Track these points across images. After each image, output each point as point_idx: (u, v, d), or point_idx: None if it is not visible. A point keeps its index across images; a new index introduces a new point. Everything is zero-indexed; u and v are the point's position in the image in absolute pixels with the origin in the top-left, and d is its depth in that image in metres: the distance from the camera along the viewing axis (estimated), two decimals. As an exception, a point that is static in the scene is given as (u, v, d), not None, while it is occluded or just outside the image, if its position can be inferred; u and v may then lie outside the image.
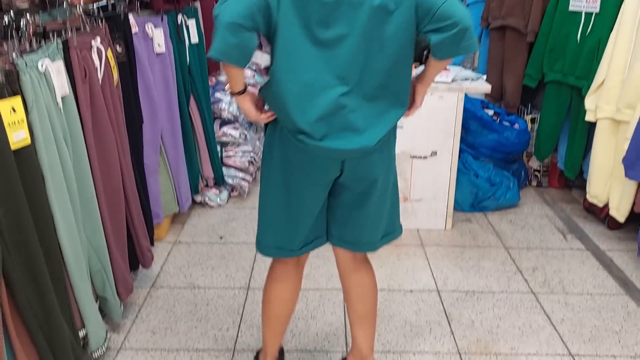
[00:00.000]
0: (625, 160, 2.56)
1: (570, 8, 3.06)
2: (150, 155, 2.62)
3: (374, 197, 1.60)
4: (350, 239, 1.68)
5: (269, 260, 1.76)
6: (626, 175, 2.57)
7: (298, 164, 1.55)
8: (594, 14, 2.92)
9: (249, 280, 2.50)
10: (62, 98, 1.72)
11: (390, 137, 1.57)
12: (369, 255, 1.76)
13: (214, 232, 2.94)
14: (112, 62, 2.08)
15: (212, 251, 2.75)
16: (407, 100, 1.55)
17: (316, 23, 1.39)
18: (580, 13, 2.99)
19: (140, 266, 2.36)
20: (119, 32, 2.27)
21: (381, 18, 1.40)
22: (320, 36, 1.40)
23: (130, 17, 2.40)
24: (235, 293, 2.41)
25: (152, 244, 2.63)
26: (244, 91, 1.52)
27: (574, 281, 2.55)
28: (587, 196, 3.01)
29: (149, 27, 2.52)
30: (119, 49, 2.26)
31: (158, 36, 2.59)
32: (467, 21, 1.36)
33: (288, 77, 1.43)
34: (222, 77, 3.56)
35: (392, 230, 1.73)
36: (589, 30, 2.96)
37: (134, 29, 2.43)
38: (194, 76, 2.94)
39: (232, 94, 1.54)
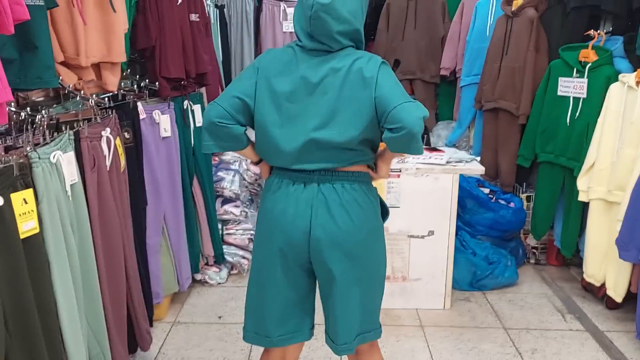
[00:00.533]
0: (618, 242, 2.60)
1: (559, 93, 3.20)
2: (153, 235, 2.67)
3: (336, 289, 1.66)
4: (330, 334, 1.73)
5: (266, 346, 1.78)
6: (620, 256, 2.61)
7: (261, 230, 1.73)
8: (581, 99, 3.05)
9: (248, 362, 2.49)
10: (71, 185, 1.80)
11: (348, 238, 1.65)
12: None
13: (213, 311, 2.95)
14: (120, 150, 2.17)
15: (211, 332, 2.75)
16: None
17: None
18: (569, 97, 3.12)
19: (138, 349, 2.36)
20: (128, 119, 2.39)
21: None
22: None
23: (139, 105, 2.53)
24: (233, 376, 2.39)
25: (151, 325, 2.63)
26: (260, 161, 1.77)
27: (575, 364, 2.53)
28: (584, 275, 3.04)
29: (156, 114, 2.64)
30: (127, 135, 2.37)
31: (164, 121, 2.71)
32: (415, 127, 1.46)
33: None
34: (225, 157, 3.68)
35: (367, 330, 1.73)
36: (577, 113, 3.08)
37: (142, 115, 2.55)
38: (198, 157, 3.05)
39: (252, 163, 1.85)
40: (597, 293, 3.16)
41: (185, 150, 2.94)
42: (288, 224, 1.63)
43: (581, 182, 2.96)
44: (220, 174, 3.45)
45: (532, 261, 3.70)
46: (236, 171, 3.50)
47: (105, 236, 2.02)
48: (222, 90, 3.79)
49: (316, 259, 1.64)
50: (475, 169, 2.96)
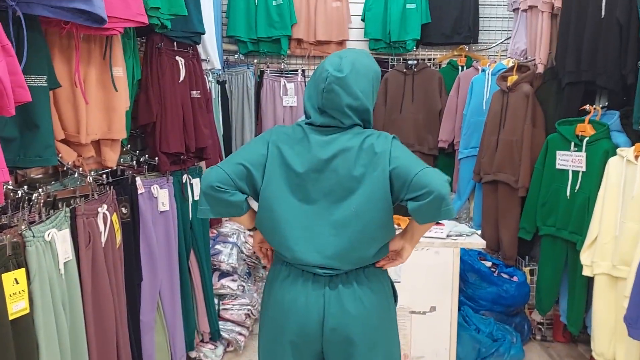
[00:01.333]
0: (626, 319, 2.53)
1: (558, 166, 3.21)
2: (148, 312, 2.60)
3: None
4: None
5: None
6: (629, 334, 2.52)
7: (270, 321, 1.68)
8: (580, 172, 3.06)
9: None
10: (65, 263, 1.76)
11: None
12: None
13: (208, 393, 2.83)
14: (117, 226, 2.15)
15: (205, 415, 2.62)
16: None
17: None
18: (568, 171, 3.13)
19: None
20: (126, 195, 2.38)
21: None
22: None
23: (138, 180, 2.53)
24: None
25: (142, 408, 2.52)
26: (254, 228, 1.72)
27: None
28: (593, 354, 2.93)
29: (155, 188, 2.64)
30: (124, 210, 2.36)
31: (163, 196, 2.71)
32: (442, 189, 1.43)
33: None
34: (223, 229, 3.65)
35: None
36: (577, 187, 3.08)
37: (140, 190, 2.55)
38: (195, 231, 3.02)
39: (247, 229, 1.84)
40: (608, 373, 3.04)
41: (183, 224, 2.92)
42: (300, 315, 1.57)
43: (584, 257, 2.91)
44: (217, 247, 3.41)
45: (538, 337, 3.59)
46: (234, 244, 3.46)
47: (97, 314, 1.97)
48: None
49: (330, 349, 1.59)
50: (476, 242, 2.92)
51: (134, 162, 2.67)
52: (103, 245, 2.00)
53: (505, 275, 3.44)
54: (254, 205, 1.67)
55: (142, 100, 2.64)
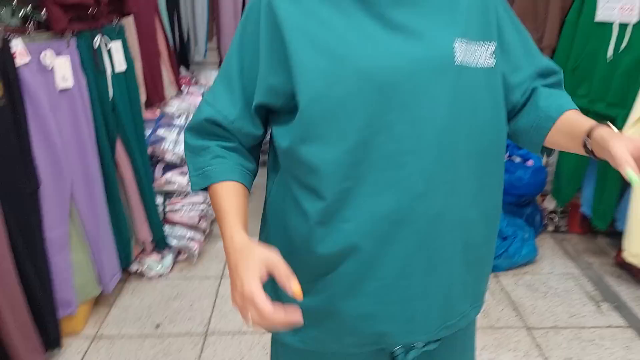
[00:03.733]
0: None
1: (597, 18, 2.44)
2: (56, 226, 1.95)
3: None
4: None
5: None
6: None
7: None
8: (630, 25, 2.31)
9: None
10: None
11: None
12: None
13: (149, 317, 2.26)
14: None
15: (143, 349, 2.07)
16: None
17: None
18: (611, 24, 2.37)
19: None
20: (-7, 66, 1.61)
21: None
22: None
23: (17, 43, 1.74)
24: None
25: (59, 345, 1.96)
26: None
27: (625, 381, 1.92)
28: (625, 254, 2.39)
29: (47, 56, 1.86)
30: (-9, 89, 1.60)
31: (62, 66, 1.93)
32: None
33: None
34: (169, 107, 2.90)
35: None
36: (623, 45, 2.34)
37: (23, 58, 1.77)
38: (120, 113, 2.27)
39: None
40: (636, 274, 2.53)
41: (101, 104, 2.17)
42: None
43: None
44: (160, 132, 2.69)
45: (551, 228, 3.04)
46: (182, 127, 2.74)
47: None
48: (160, 21, 2.96)
49: None
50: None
51: (13, 17, 1.85)
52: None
53: (518, 159, 2.81)
54: None
55: None
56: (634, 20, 2.30)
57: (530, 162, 2.78)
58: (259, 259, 0.75)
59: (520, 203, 2.84)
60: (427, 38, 0.82)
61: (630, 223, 2.33)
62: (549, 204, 3.02)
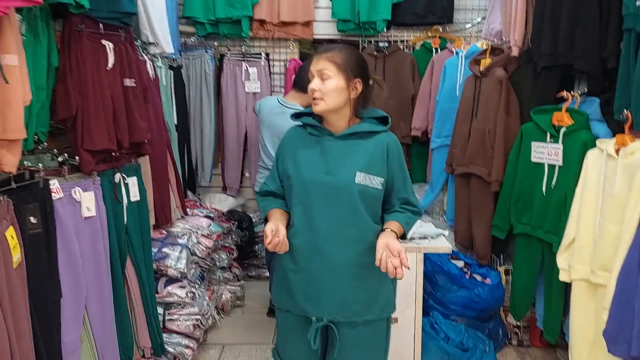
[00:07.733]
0: (605, 334, 2.26)
1: (533, 159, 2.92)
2: (71, 331, 2.31)
3: None
4: None
5: None
6: (609, 350, 2.26)
7: None
8: (557, 166, 2.78)
9: None
10: None
11: None
12: None
13: (144, 416, 2.56)
14: (13, 242, 1.85)
15: None
16: None
17: None
18: (544, 164, 2.84)
19: None
20: (35, 202, 2.07)
21: None
22: None
23: (53, 183, 2.22)
24: None
25: None
26: None
27: None
28: (572, 366, 2.68)
29: (76, 192, 2.33)
30: (32, 220, 2.05)
31: (87, 200, 2.40)
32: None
33: None
34: (175, 228, 3.35)
35: None
36: (554, 182, 2.80)
37: (57, 194, 2.24)
38: (132, 236, 2.71)
39: None
40: (587, 384, 2.79)
41: (117, 229, 2.61)
42: None
43: (561, 260, 2.64)
44: (165, 250, 3.12)
45: (515, 342, 3.33)
46: (184, 246, 3.17)
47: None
48: (171, 156, 3.50)
49: None
50: (442, 247, 2.64)
51: (53, 161, 2.36)
52: (-9, 267, 1.70)
53: (478, 277, 3.18)
54: None
55: (59, 92, 2.31)
56: (559, 163, 2.77)
57: (488, 280, 3.15)
58: (280, 225, 1.83)
59: (481, 317, 3.16)
60: (337, 173, 1.84)
61: (571, 337, 2.64)
62: (512, 319, 3.34)
